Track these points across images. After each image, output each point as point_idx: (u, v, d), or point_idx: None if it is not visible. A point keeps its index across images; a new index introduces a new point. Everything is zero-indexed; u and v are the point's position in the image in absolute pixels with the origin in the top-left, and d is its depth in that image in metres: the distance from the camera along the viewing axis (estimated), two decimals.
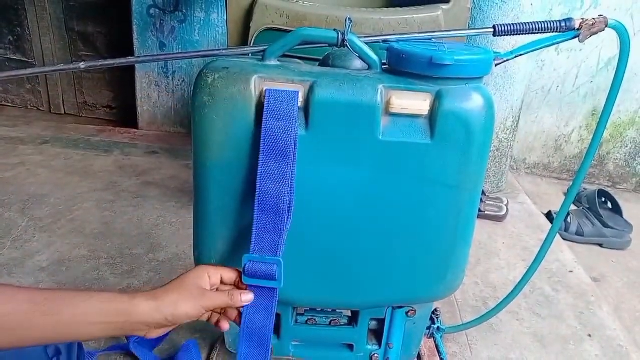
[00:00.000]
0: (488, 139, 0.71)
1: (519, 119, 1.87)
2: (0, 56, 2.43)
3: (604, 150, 2.23)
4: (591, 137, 0.84)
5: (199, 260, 0.78)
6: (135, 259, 1.29)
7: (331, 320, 0.89)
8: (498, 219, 1.67)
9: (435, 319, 1.01)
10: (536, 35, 0.75)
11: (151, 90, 2.22)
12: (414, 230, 0.73)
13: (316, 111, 0.67)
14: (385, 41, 0.72)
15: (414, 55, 0.67)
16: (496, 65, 0.75)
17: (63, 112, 2.47)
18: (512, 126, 1.84)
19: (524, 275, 0.95)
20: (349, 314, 0.90)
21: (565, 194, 0.88)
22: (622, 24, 0.75)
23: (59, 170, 1.77)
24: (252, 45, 1.18)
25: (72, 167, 1.80)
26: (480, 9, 1.67)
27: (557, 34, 0.75)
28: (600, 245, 1.76)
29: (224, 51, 0.73)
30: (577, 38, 0.74)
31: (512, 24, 0.74)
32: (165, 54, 2.11)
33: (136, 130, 2.25)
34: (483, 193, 1.70)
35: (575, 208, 1.87)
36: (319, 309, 0.90)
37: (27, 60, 2.40)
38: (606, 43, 2.03)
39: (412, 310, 0.86)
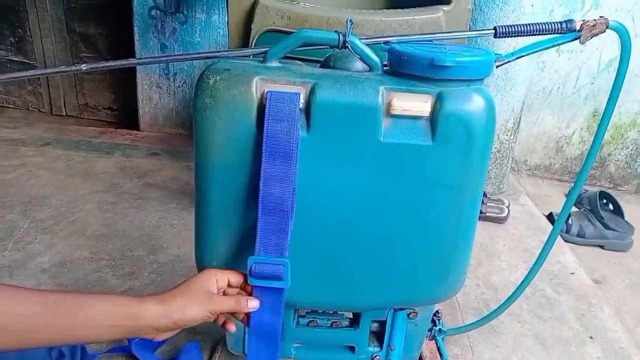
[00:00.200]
0: (489, 141, 0.71)
1: (520, 120, 1.87)
2: (2, 58, 2.44)
3: (605, 151, 2.22)
4: (592, 139, 0.84)
5: (200, 262, 0.78)
6: (137, 261, 1.30)
7: (332, 322, 0.89)
8: (499, 220, 1.66)
9: (437, 321, 1.01)
10: (537, 36, 0.75)
11: (152, 91, 2.23)
12: (415, 231, 0.73)
13: (317, 113, 0.67)
14: (386, 43, 0.72)
15: (415, 57, 0.67)
16: (497, 66, 0.75)
17: (64, 114, 2.47)
18: (513, 128, 1.84)
19: (525, 277, 0.95)
20: (351, 316, 0.90)
21: (567, 196, 0.88)
22: (623, 26, 0.75)
23: (60, 171, 1.77)
24: (253, 46, 1.18)
25: (73, 169, 1.80)
26: (481, 10, 1.67)
27: (558, 35, 0.75)
28: (602, 247, 1.76)
29: (225, 53, 0.73)
30: (578, 39, 0.74)
31: (513, 26, 0.74)
32: (167, 56, 2.12)
33: (137, 132, 2.25)
34: (484, 195, 1.70)
35: (577, 210, 1.86)
36: (321, 311, 0.90)
37: (28, 61, 2.40)
38: (607, 44, 2.03)
39: (413, 312, 0.86)
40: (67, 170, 1.79)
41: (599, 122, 0.83)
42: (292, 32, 0.68)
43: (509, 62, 0.79)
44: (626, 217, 1.80)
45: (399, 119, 0.68)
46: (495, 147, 1.82)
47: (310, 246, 0.73)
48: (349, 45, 0.68)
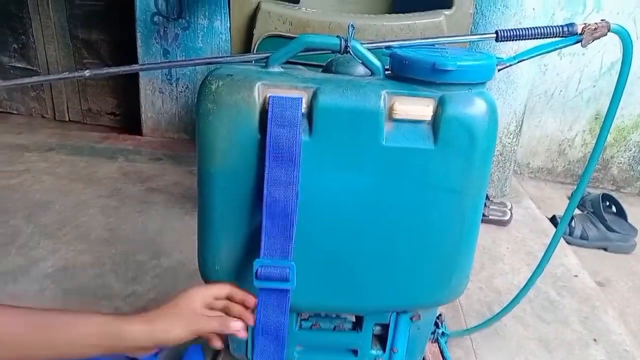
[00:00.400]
0: (491, 144, 0.71)
1: (522, 123, 1.87)
2: (5, 64, 2.45)
3: (608, 154, 2.22)
4: (595, 141, 0.84)
5: (203, 267, 0.78)
6: (140, 266, 1.30)
7: (335, 326, 0.89)
8: (502, 223, 1.66)
9: (440, 324, 1.01)
10: (539, 40, 0.76)
11: (155, 97, 2.24)
12: (418, 235, 0.73)
13: (319, 117, 0.67)
14: (388, 47, 0.73)
15: (417, 61, 0.67)
16: (499, 70, 0.75)
17: (67, 119, 2.48)
18: (515, 131, 1.84)
19: (528, 280, 0.95)
20: (353, 319, 0.90)
21: (569, 198, 0.88)
22: (625, 29, 0.75)
23: (63, 177, 1.78)
24: (255, 52, 1.18)
25: (76, 174, 1.81)
26: (482, 14, 1.67)
27: (559, 38, 0.75)
28: (605, 249, 1.75)
29: (227, 58, 0.73)
30: (580, 43, 0.74)
31: (515, 29, 0.75)
32: (169, 62, 2.13)
33: (140, 137, 2.26)
34: (487, 198, 1.70)
35: (580, 212, 1.86)
36: (323, 314, 0.90)
37: (31, 68, 2.41)
38: (609, 47, 2.03)
39: (416, 315, 0.86)
40: (71, 176, 1.79)
41: (601, 124, 0.83)
42: (294, 38, 0.69)
43: (510, 65, 0.79)
44: (629, 220, 1.80)
45: (401, 123, 0.68)
46: (497, 150, 1.82)
47: (313, 249, 0.73)
48: (350, 50, 0.68)
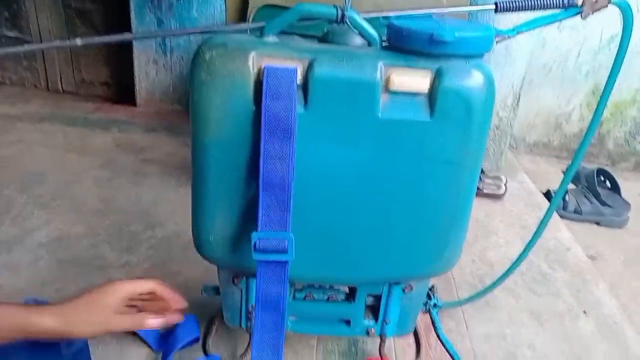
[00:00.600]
0: (488, 117, 0.71)
1: (519, 97, 1.86)
2: None
3: (604, 128, 2.22)
4: (591, 116, 0.84)
5: (197, 239, 0.78)
6: (134, 236, 1.30)
7: (329, 297, 0.90)
8: (496, 197, 1.67)
9: (432, 295, 1.02)
10: (538, 12, 0.74)
11: (149, 67, 2.21)
12: (413, 207, 0.73)
13: (315, 89, 0.66)
14: (385, 17, 0.71)
15: (414, 32, 0.66)
16: (497, 42, 0.74)
17: (61, 90, 2.45)
18: (512, 104, 1.84)
19: (520, 253, 0.96)
20: (346, 290, 0.91)
21: (564, 173, 0.88)
22: (626, 1, 0.74)
23: (57, 147, 1.77)
24: (250, 21, 1.16)
25: (70, 145, 1.80)
26: None
27: (559, 10, 0.74)
28: (598, 223, 1.77)
29: (222, 27, 0.72)
30: (580, 15, 0.73)
31: (514, 1, 0.73)
32: (163, 31, 2.09)
33: (134, 108, 2.24)
34: (482, 172, 1.71)
35: (574, 187, 1.87)
36: (317, 285, 0.90)
37: (23, 37, 2.37)
38: (609, 20, 2.01)
39: (409, 286, 0.86)
40: (64, 146, 1.78)
41: (598, 98, 0.82)
42: (289, 7, 0.67)
43: (509, 37, 0.78)
44: (623, 194, 1.81)
45: (397, 95, 0.67)
46: (494, 124, 1.82)
47: (308, 221, 0.73)
48: (347, 20, 0.67)
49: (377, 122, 0.67)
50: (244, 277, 0.85)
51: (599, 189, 1.79)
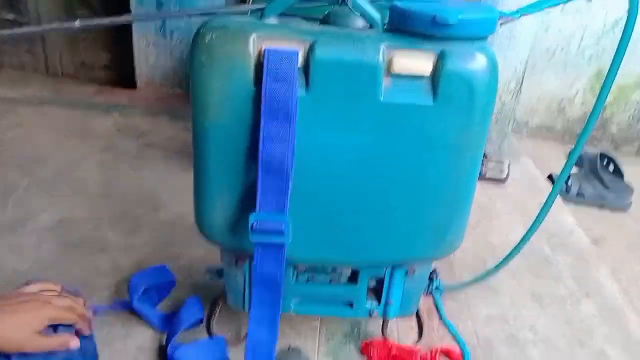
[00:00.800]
0: (491, 101, 0.70)
1: (522, 81, 1.84)
2: None
3: (608, 113, 2.21)
4: (595, 100, 0.83)
5: (199, 221, 0.79)
6: (137, 220, 1.30)
7: (331, 279, 0.90)
8: (499, 181, 1.67)
9: (434, 278, 1.03)
10: None
11: (149, 50, 2.19)
12: (415, 191, 0.73)
13: (316, 71, 0.66)
14: None
15: (417, 14, 0.65)
16: (501, 24, 0.73)
17: (61, 73, 2.44)
18: (515, 88, 1.82)
19: (523, 237, 0.96)
20: (349, 273, 0.91)
21: (567, 157, 0.88)
22: None
23: (58, 131, 1.76)
24: (251, 3, 1.15)
25: (71, 129, 1.79)
26: None
27: None
28: (601, 207, 1.77)
29: (222, 9, 0.71)
30: None
31: None
32: (163, 13, 2.08)
33: (135, 91, 2.23)
34: (484, 156, 1.70)
35: (577, 171, 1.87)
36: (320, 268, 0.91)
37: (21, 20, 2.35)
38: (613, 4, 1.98)
39: (411, 269, 0.87)
40: (65, 130, 1.78)
41: (602, 83, 0.81)
42: None
43: (513, 20, 0.77)
44: (626, 179, 1.80)
45: (399, 78, 0.67)
46: (496, 108, 1.80)
47: (310, 205, 0.73)
48: (349, 2, 0.66)
49: (379, 105, 0.67)
50: (247, 260, 0.85)
51: (602, 173, 1.79)
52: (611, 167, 1.86)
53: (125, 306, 1.00)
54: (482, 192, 1.59)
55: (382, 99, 0.67)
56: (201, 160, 0.73)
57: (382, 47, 0.65)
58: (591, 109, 0.83)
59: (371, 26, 0.69)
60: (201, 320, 0.99)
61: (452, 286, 1.11)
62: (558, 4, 0.76)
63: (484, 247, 1.32)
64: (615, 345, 1.05)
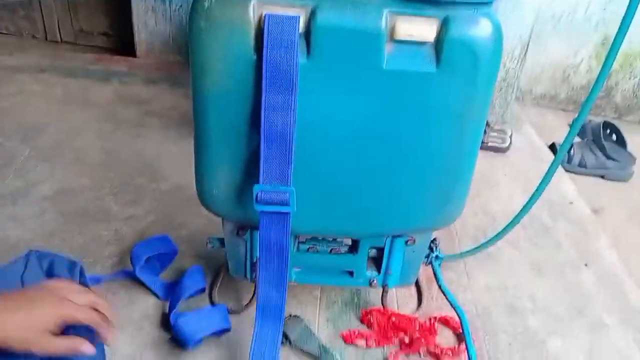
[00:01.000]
0: (495, 68, 0.69)
1: (527, 48, 1.81)
2: None
3: (612, 81, 2.18)
4: (600, 68, 0.81)
5: (200, 191, 0.78)
6: (138, 189, 1.30)
7: (332, 249, 0.91)
8: (501, 150, 1.66)
9: (434, 248, 1.03)
10: None
11: (148, 17, 2.15)
12: (417, 160, 0.73)
13: (318, 38, 0.64)
14: None
15: None
16: None
17: (59, 40, 2.40)
18: (520, 55, 1.79)
19: (523, 206, 0.96)
20: (349, 243, 0.92)
21: (570, 126, 0.86)
22: None
23: (57, 99, 1.75)
24: None
25: (70, 97, 1.78)
26: None
27: None
28: (603, 177, 1.76)
29: None
30: None
31: None
32: None
33: (134, 59, 2.20)
34: (487, 124, 1.69)
35: (579, 140, 1.85)
36: (320, 238, 0.91)
37: None
38: None
39: (411, 239, 0.87)
40: (65, 98, 1.76)
41: (608, 50, 0.80)
42: None
43: None
44: (629, 148, 1.79)
45: (402, 45, 0.65)
46: (500, 76, 1.78)
47: (312, 174, 0.73)
48: None
49: (382, 72, 0.66)
50: (248, 229, 0.86)
51: (605, 143, 1.77)
52: (614, 137, 1.84)
53: (129, 275, 1.01)
54: (483, 161, 1.57)
55: (384, 65, 0.65)
56: (201, 129, 0.72)
57: (385, 12, 0.64)
58: (596, 77, 0.81)
59: None
60: (203, 289, 1.00)
61: (451, 256, 1.11)
62: None
63: (484, 216, 1.33)
64: (613, 314, 1.06)
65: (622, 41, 0.79)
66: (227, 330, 0.92)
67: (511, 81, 1.82)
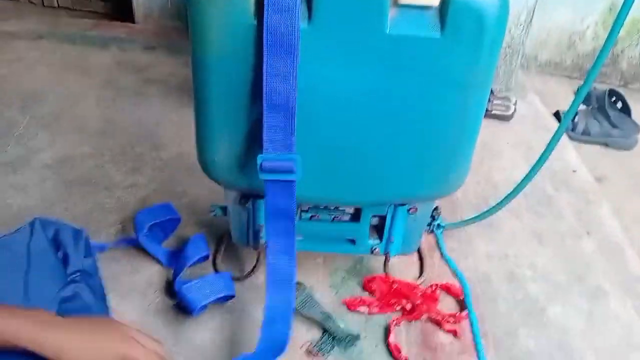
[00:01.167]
0: (500, 34, 0.67)
1: (533, 13, 1.78)
2: None
3: (618, 48, 2.14)
4: (607, 34, 0.80)
5: (201, 159, 0.78)
6: (139, 157, 1.30)
7: (334, 217, 0.91)
8: (505, 118, 1.64)
9: (436, 216, 1.03)
10: None
11: None
12: (419, 128, 0.72)
13: (319, 1, 0.63)
14: None
15: None
16: None
17: (56, 5, 2.36)
18: (525, 21, 1.76)
19: (526, 175, 0.95)
20: (352, 211, 0.92)
21: (575, 93, 0.85)
22: None
23: (56, 66, 1.73)
24: None
25: (69, 63, 1.76)
26: None
27: None
28: (606, 145, 1.75)
29: None
30: None
31: None
32: None
33: (132, 25, 2.16)
34: (491, 92, 1.67)
35: (584, 107, 1.83)
36: (322, 206, 0.91)
37: None
38: None
39: (413, 207, 0.87)
40: (63, 65, 1.74)
41: (615, 17, 0.78)
42: None
43: None
44: (633, 116, 1.77)
45: (406, 9, 0.64)
46: (505, 42, 1.75)
47: (314, 142, 0.72)
48: None
49: (385, 38, 0.64)
50: (250, 198, 0.85)
51: (609, 110, 1.75)
52: (619, 105, 1.82)
53: (132, 243, 1.02)
54: (486, 130, 1.55)
55: (387, 30, 0.64)
56: (201, 97, 0.71)
57: None
58: (602, 44, 0.80)
59: None
60: (207, 257, 1.00)
61: (453, 224, 1.12)
62: None
63: (486, 185, 1.32)
64: (613, 282, 1.07)
65: (629, 8, 0.77)
66: (231, 297, 0.93)
67: (516, 48, 1.79)
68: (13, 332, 0.55)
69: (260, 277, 0.98)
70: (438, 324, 0.93)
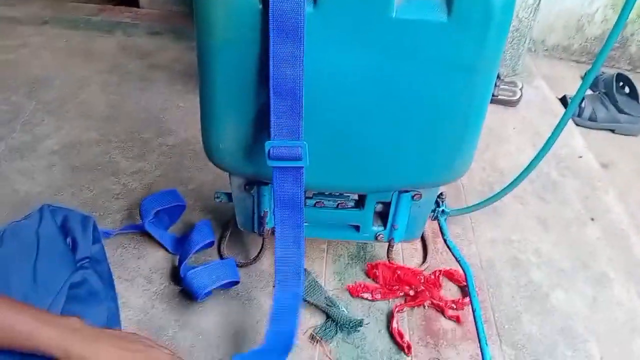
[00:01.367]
0: (508, 18, 0.66)
1: None
2: None
3: (628, 31, 2.11)
4: (616, 17, 0.78)
5: (207, 146, 0.78)
6: (145, 143, 1.30)
7: (338, 204, 0.91)
8: (511, 103, 1.63)
9: (440, 202, 1.03)
10: None
11: None
12: (425, 113, 0.72)
13: None
14: None
15: None
16: None
17: None
18: (533, 4, 1.74)
19: (531, 161, 0.95)
20: (356, 198, 0.92)
21: (583, 78, 0.84)
22: None
23: (61, 51, 1.73)
24: None
25: (74, 49, 1.75)
26: None
27: None
28: (613, 131, 1.74)
29: None
30: None
31: None
32: None
33: (138, 9, 2.15)
34: (498, 77, 1.65)
35: (591, 92, 1.81)
36: (327, 193, 0.91)
37: None
38: None
39: (418, 194, 0.87)
40: (69, 50, 1.74)
41: None
42: None
43: None
44: None
45: None
46: (513, 26, 1.73)
47: (319, 128, 0.72)
48: None
49: (391, 22, 0.64)
50: (255, 185, 0.86)
51: (617, 96, 1.73)
52: (627, 90, 1.80)
53: (138, 229, 1.02)
54: (492, 115, 1.56)
55: (394, 14, 0.63)
56: (207, 83, 0.71)
57: None
58: (611, 27, 0.79)
59: None
60: (212, 243, 1.01)
61: (457, 210, 1.11)
62: None
63: (492, 171, 1.32)
64: (617, 268, 1.07)
65: None
66: (236, 283, 0.93)
67: (524, 31, 1.77)
68: (45, 340, 0.57)
69: (265, 263, 0.99)
70: (441, 310, 0.94)
